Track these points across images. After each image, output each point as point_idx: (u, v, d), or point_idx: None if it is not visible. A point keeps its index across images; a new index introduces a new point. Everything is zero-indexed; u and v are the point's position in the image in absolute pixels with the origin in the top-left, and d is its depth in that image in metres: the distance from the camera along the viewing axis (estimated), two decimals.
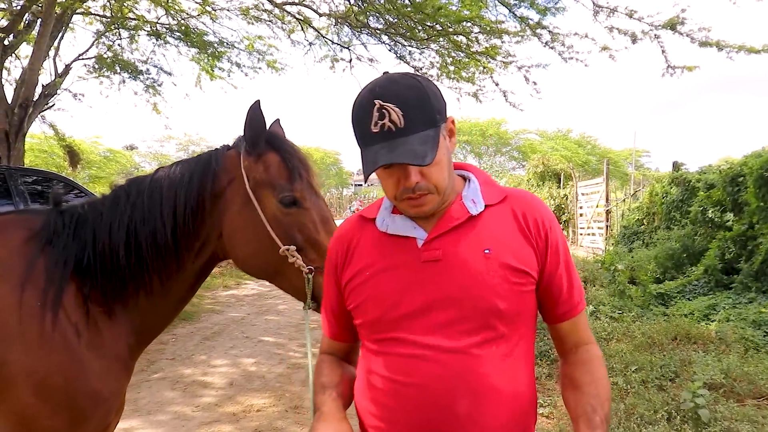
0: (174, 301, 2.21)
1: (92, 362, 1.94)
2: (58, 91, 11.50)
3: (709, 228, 9.88)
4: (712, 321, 7.38)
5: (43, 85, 10.70)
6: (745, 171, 8.61)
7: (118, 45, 12.87)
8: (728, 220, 9.20)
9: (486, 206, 1.52)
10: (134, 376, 6.04)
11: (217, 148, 2.26)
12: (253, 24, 12.64)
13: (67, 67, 11.83)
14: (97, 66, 12.92)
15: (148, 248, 2.06)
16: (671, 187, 12.14)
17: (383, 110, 1.35)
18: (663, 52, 8.88)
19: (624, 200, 17.31)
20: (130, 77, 13.13)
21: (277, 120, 2.39)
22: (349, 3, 10.61)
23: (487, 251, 1.46)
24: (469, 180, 1.59)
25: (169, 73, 13.72)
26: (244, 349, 7.50)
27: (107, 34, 12.49)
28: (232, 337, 8.17)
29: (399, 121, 1.35)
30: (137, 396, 5.59)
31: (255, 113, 2.09)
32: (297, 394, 5.71)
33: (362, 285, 1.53)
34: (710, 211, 9.75)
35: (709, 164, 12.25)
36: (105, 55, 12.91)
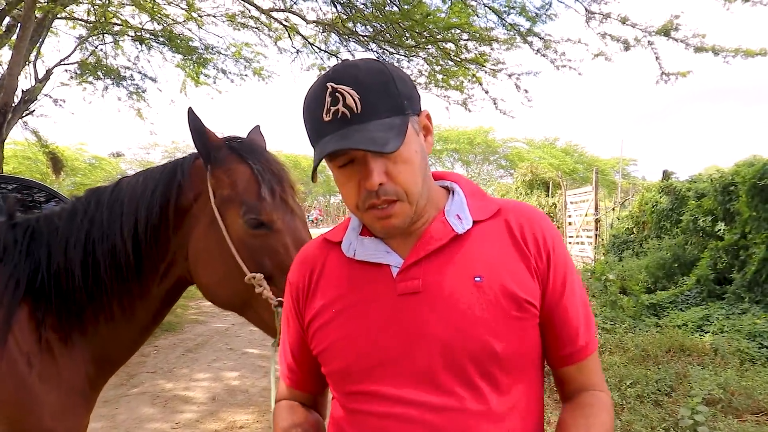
0: (137, 329, 1.94)
1: (46, 396, 1.72)
2: (39, 97, 11.27)
3: (700, 237, 9.79)
4: (705, 332, 7.26)
5: (23, 91, 10.48)
6: (737, 180, 8.52)
7: (101, 50, 12.67)
8: (720, 230, 9.11)
9: (474, 222, 1.25)
10: (112, 391, 5.87)
11: (185, 157, 1.98)
12: (239, 30, 12.52)
13: (48, 73, 11.60)
14: (79, 71, 12.69)
15: (107, 269, 1.81)
16: (661, 196, 12.06)
17: (336, 94, 1.12)
18: (657, 58, 8.78)
19: (613, 209, 17.24)
20: (113, 83, 12.92)
21: (257, 127, 2.15)
22: (337, 10, 10.46)
23: (478, 279, 1.19)
24: (453, 192, 1.32)
25: (154, 80, 13.49)
26: (227, 361, 7.29)
27: (90, 39, 12.29)
28: (215, 348, 7.96)
29: (355, 106, 1.11)
30: (115, 412, 5.38)
31: (191, 122, 1.83)
32: None
33: (327, 325, 1.26)
34: (701, 221, 9.66)
35: (699, 173, 12.19)
36: (88, 61, 12.70)
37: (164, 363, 7.14)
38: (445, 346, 1.15)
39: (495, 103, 11.58)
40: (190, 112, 1.82)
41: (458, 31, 10.29)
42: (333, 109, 1.12)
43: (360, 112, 1.11)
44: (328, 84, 1.13)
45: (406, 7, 9.66)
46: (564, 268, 1.26)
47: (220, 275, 1.81)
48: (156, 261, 1.86)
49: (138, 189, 1.88)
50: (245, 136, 2.04)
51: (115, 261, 1.82)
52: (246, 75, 13.52)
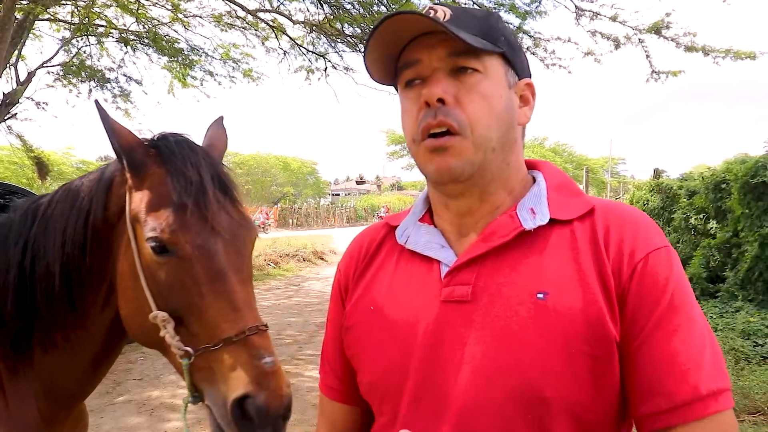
0: (86, 361, 1.65)
1: None
2: (21, 100, 11.09)
3: (692, 236, 9.76)
4: None
5: (4, 93, 10.31)
6: (729, 178, 8.49)
7: (84, 52, 12.50)
8: (712, 228, 9.09)
9: (553, 222, 0.98)
10: (97, 400, 5.73)
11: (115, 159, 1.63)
12: (226, 31, 12.36)
13: (30, 75, 11.43)
14: (62, 74, 12.52)
15: (42, 295, 1.55)
16: (652, 195, 12.03)
17: (429, 11, 0.98)
18: (647, 56, 8.75)
19: None
20: (96, 86, 12.75)
21: (219, 119, 1.77)
22: (323, 11, 10.36)
23: (540, 295, 0.92)
24: (535, 181, 1.08)
25: (139, 82, 13.32)
26: None
27: (74, 41, 12.12)
28: None
29: (444, 16, 0.97)
30: (99, 422, 5.24)
31: (102, 119, 1.48)
32: None
33: (359, 326, 1.09)
34: (693, 219, 9.63)
35: (690, 171, 12.19)
36: (71, 63, 12.52)
37: (151, 370, 7.00)
38: (483, 377, 0.91)
39: None
40: (97, 105, 1.48)
41: None
42: (394, 13, 0.97)
43: (447, 20, 0.96)
44: (428, 5, 1.01)
45: (393, 7, 9.57)
46: (661, 293, 0.90)
47: (133, 308, 1.47)
48: (92, 286, 1.56)
49: (68, 201, 1.59)
50: (208, 131, 1.73)
51: (48, 286, 1.55)
52: (234, 77, 13.38)
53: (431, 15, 0.96)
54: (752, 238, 7.77)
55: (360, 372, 1.09)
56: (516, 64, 1.05)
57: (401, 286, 1.06)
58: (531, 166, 1.14)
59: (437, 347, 0.96)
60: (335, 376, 1.20)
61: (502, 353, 0.91)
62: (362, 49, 12.24)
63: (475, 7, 0.99)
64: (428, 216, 1.12)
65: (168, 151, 1.50)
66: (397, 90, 1.09)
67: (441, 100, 0.95)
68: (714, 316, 7.55)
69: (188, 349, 1.34)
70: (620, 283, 0.91)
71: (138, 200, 1.45)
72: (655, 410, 0.87)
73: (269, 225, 38.99)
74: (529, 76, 1.09)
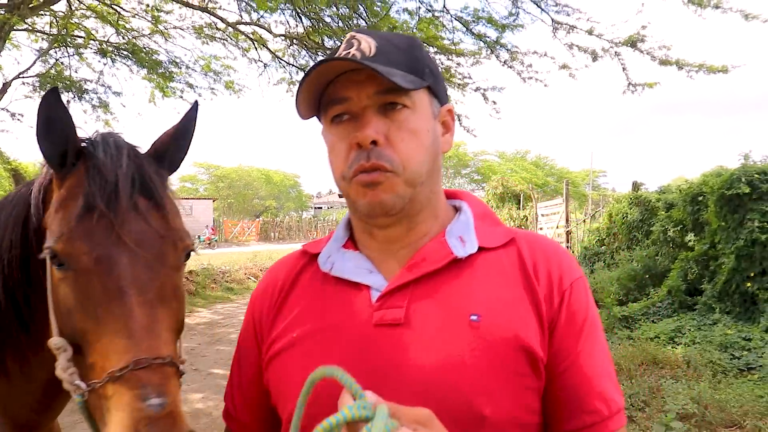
0: (39, 388, 1.50)
1: None
2: None
3: (670, 248, 9.80)
4: (678, 344, 7.23)
5: None
6: (705, 190, 8.55)
7: (62, 63, 12.39)
8: (690, 240, 9.13)
9: (480, 249, 1.03)
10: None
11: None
12: (207, 44, 12.32)
13: (6, 85, 11.31)
14: (38, 84, 12.40)
15: None
16: (631, 207, 12.10)
17: (353, 40, 1.00)
18: (624, 69, 8.83)
19: (584, 221, 17.31)
20: (74, 97, 12.64)
21: (195, 105, 1.44)
22: (302, 24, 10.36)
23: (474, 317, 0.95)
24: (460, 211, 1.11)
25: (118, 94, 13.23)
26: (191, 383, 7.06)
27: (52, 51, 12.02)
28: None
29: (369, 50, 0.97)
30: None
31: (49, 106, 1.24)
32: None
33: (283, 354, 1.04)
34: (671, 231, 9.68)
35: (668, 184, 12.29)
36: (49, 74, 12.41)
37: None
38: (419, 398, 0.88)
39: (460, 120, 11.54)
40: (50, 95, 1.24)
41: (426, 45, 10.25)
42: (344, 53, 0.98)
43: (372, 56, 0.97)
44: (349, 34, 1.03)
45: (373, 20, 9.59)
46: (583, 319, 0.99)
47: (51, 330, 1.23)
48: (40, 305, 1.33)
49: (9, 209, 1.44)
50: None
51: None
52: (215, 89, 13.33)
53: (354, 47, 0.98)
54: (729, 251, 7.81)
55: (285, 402, 1.03)
56: (438, 92, 1.07)
57: (328, 312, 1.03)
58: (452, 195, 1.18)
59: (371, 372, 0.93)
60: (249, 423, 1.18)
61: (439, 373, 0.92)
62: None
63: (399, 34, 0.96)
64: (350, 242, 1.12)
65: (91, 147, 1.29)
66: (320, 121, 1.09)
67: (374, 142, 0.96)
68: (692, 329, 7.56)
69: (80, 383, 1.12)
70: (551, 309, 0.98)
71: (52, 204, 1.27)
72: (582, 426, 0.96)
73: (215, 241, 37.15)
74: (448, 101, 1.12)
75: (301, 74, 12.24)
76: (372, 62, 0.95)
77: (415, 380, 0.92)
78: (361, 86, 0.98)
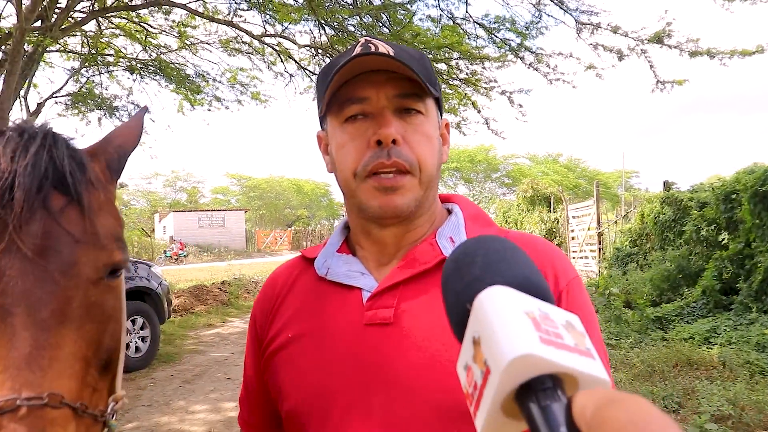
0: None
1: None
2: None
3: (704, 247, 9.65)
4: (713, 345, 7.11)
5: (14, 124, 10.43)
6: (739, 188, 8.41)
7: (93, 81, 12.64)
8: (723, 239, 8.98)
9: None
10: None
11: None
12: (234, 56, 12.48)
13: (40, 106, 11.58)
14: (70, 103, 12.66)
15: None
16: (663, 207, 11.94)
17: (369, 44, 1.00)
18: (651, 66, 8.70)
19: (616, 222, 17.11)
20: (105, 114, 12.89)
21: (143, 109, 1.32)
22: (326, 34, 10.43)
23: None
24: (451, 213, 1.13)
25: (147, 110, 13.45)
26: (225, 392, 7.14)
27: (83, 70, 12.28)
28: (213, 379, 7.80)
29: (388, 53, 0.98)
30: None
31: None
32: None
33: (278, 353, 1.07)
34: (704, 230, 9.53)
35: (701, 183, 12.09)
36: (80, 92, 12.67)
37: (161, 396, 6.99)
38: (408, 395, 0.93)
39: (487, 124, 11.50)
40: None
41: (449, 50, 10.24)
42: (362, 53, 0.98)
43: (393, 56, 0.98)
44: (361, 38, 1.04)
45: (396, 28, 9.63)
46: (581, 313, 0.94)
47: None
48: None
49: None
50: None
51: None
52: (241, 101, 13.49)
53: (372, 50, 0.98)
54: (764, 249, 7.67)
55: (282, 399, 1.06)
56: (441, 106, 1.11)
57: (322, 314, 1.06)
58: (446, 199, 1.19)
59: (362, 369, 0.97)
60: (250, 409, 1.24)
61: (428, 372, 0.93)
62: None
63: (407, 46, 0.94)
64: (345, 246, 1.14)
65: (6, 136, 1.06)
66: (323, 120, 1.11)
67: (394, 141, 0.98)
68: (728, 329, 7.44)
69: None
70: None
71: None
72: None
73: (183, 257, 35.09)
74: (442, 115, 1.15)
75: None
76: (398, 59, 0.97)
77: (403, 378, 0.94)
78: (380, 87, 1.00)
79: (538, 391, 0.47)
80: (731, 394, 5.18)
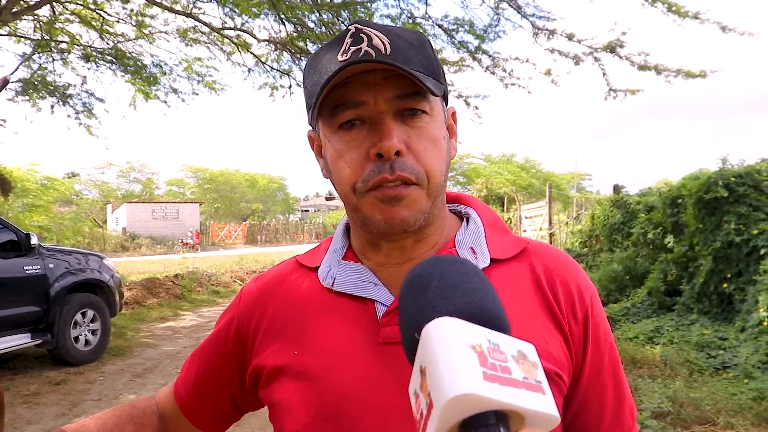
0: None
1: None
2: None
3: (650, 250, 9.94)
4: (656, 344, 7.35)
5: None
6: (684, 193, 8.68)
7: (46, 68, 12.37)
8: (669, 242, 9.27)
9: (492, 261, 0.94)
10: (53, 420, 5.65)
11: None
12: (191, 46, 12.36)
13: None
14: (21, 90, 12.37)
15: None
16: (612, 210, 12.24)
17: (361, 35, 0.86)
18: (604, 74, 8.96)
19: (567, 223, 17.45)
20: (58, 102, 12.62)
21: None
22: (286, 29, 10.41)
23: None
24: (468, 219, 1.02)
25: (101, 100, 13.24)
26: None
27: (35, 56, 12.01)
28: (165, 373, 7.74)
29: (383, 48, 0.85)
30: None
31: None
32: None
33: (283, 372, 0.95)
34: (651, 233, 9.81)
35: (649, 187, 12.43)
36: (32, 79, 12.38)
37: (110, 390, 6.91)
38: None
39: None
40: None
41: None
42: (353, 48, 0.85)
43: (388, 55, 0.84)
44: (351, 26, 0.89)
45: None
46: (605, 332, 0.97)
47: None
48: None
49: None
50: None
51: None
52: (197, 93, 13.36)
53: (365, 43, 0.86)
54: (706, 253, 7.94)
55: (284, 420, 0.93)
56: (446, 95, 0.98)
57: (331, 329, 0.94)
58: (457, 200, 1.09)
59: (378, 393, 0.87)
60: (192, 395, 1.12)
61: None
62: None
63: (408, 27, 0.89)
64: (351, 253, 1.02)
65: None
66: (315, 127, 0.99)
67: (397, 152, 0.86)
68: (670, 329, 7.69)
69: None
70: (576, 325, 0.93)
71: None
72: None
73: (196, 246, 35.57)
74: (448, 103, 1.02)
75: (286, 78, 12.36)
76: (393, 62, 0.85)
77: None
78: (377, 89, 0.87)
79: (480, 428, 0.47)
80: (671, 391, 5.37)
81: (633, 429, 0.97)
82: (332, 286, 0.97)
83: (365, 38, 0.86)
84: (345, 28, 0.90)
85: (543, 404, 0.49)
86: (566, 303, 0.93)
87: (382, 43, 0.85)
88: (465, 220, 1.03)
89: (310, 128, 1.03)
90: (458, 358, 0.49)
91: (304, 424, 0.89)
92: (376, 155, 0.86)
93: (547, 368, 0.80)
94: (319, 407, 0.88)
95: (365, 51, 0.84)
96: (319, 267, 1.01)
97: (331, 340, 0.93)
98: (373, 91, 0.87)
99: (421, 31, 9.89)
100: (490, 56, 9.62)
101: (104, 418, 1.07)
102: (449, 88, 10.01)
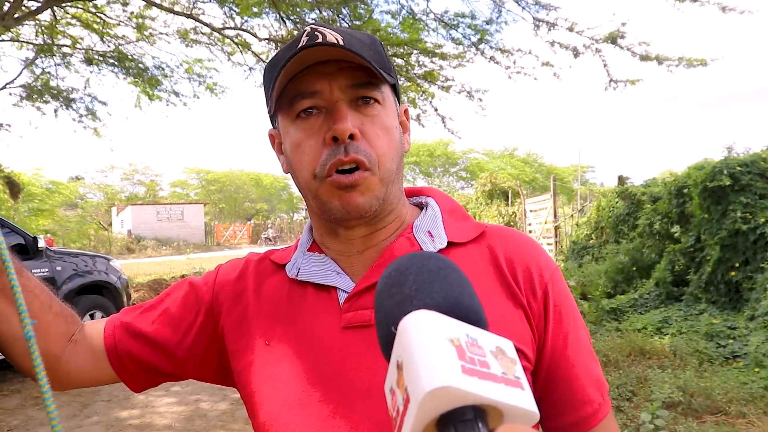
0: None
1: None
2: None
3: (657, 240, 9.92)
4: (665, 335, 7.34)
5: None
6: (689, 183, 8.66)
7: (49, 72, 12.39)
8: (675, 233, 9.25)
9: (450, 244, 0.99)
10: (65, 422, 5.67)
11: None
12: (192, 47, 12.36)
13: None
14: (24, 95, 12.39)
15: None
16: (617, 201, 12.21)
17: (316, 33, 0.92)
18: (605, 65, 8.94)
19: (572, 215, 17.43)
20: (61, 106, 12.64)
21: None
22: (287, 27, 10.40)
23: None
24: (427, 206, 1.07)
25: (104, 103, 13.26)
26: (186, 385, 7.11)
27: (38, 60, 12.03)
28: None
29: (337, 42, 0.90)
30: None
31: None
32: None
33: (255, 362, 0.99)
34: (657, 224, 9.78)
35: (654, 177, 12.39)
36: (35, 84, 12.40)
37: (120, 390, 6.92)
38: None
39: (444, 122, 11.62)
40: None
41: (409, 47, 10.31)
42: (309, 44, 0.90)
43: (342, 47, 0.90)
44: (307, 27, 0.95)
45: (356, 23, 9.66)
46: (568, 310, 0.98)
47: None
48: None
49: None
50: None
51: None
52: (198, 94, 13.37)
53: (319, 39, 0.91)
54: (713, 242, 7.92)
55: (257, 410, 0.97)
56: (398, 92, 1.05)
57: (297, 318, 0.99)
58: (416, 192, 1.14)
59: (342, 376, 0.91)
60: (125, 343, 1.09)
61: None
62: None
63: (363, 31, 0.90)
64: (316, 246, 1.06)
65: None
66: (274, 119, 1.05)
67: (350, 136, 0.91)
68: (678, 319, 7.67)
69: None
70: (536, 303, 0.96)
71: None
72: (583, 416, 0.96)
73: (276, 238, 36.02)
74: (401, 102, 1.08)
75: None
76: (349, 47, 0.90)
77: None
78: (332, 79, 0.93)
79: (458, 423, 0.46)
80: (681, 381, 5.37)
81: (603, 404, 0.97)
82: (297, 276, 1.01)
83: (320, 36, 0.91)
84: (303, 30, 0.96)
85: (522, 400, 0.48)
86: (525, 280, 0.96)
87: (336, 39, 0.90)
88: (424, 208, 1.08)
89: (271, 127, 1.08)
90: (436, 351, 0.48)
91: (274, 412, 0.93)
92: (331, 138, 0.91)
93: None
94: (287, 394, 0.93)
95: (320, 42, 0.89)
96: (287, 264, 1.06)
97: (296, 328, 0.97)
98: (328, 80, 0.93)
99: (421, 26, 9.89)
100: (492, 47, 9.60)
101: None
102: (450, 83, 10.03)
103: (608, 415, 0.97)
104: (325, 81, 0.93)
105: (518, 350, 0.88)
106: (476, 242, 1.01)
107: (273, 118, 1.06)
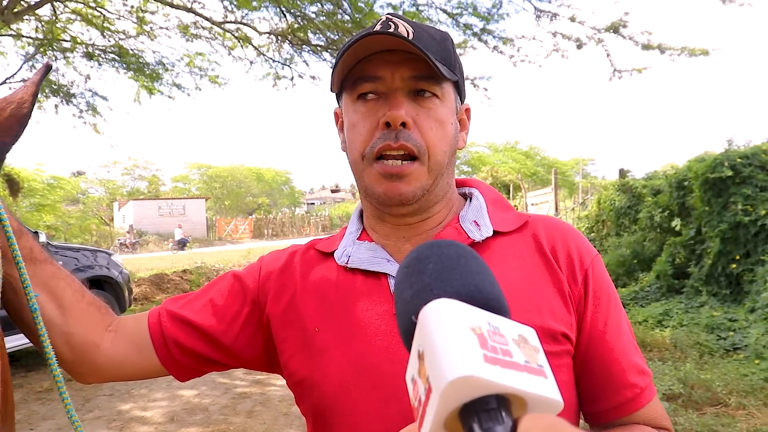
0: None
1: None
2: None
3: (658, 233, 9.91)
4: (666, 327, 7.35)
5: None
6: (690, 176, 8.65)
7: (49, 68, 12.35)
8: (676, 225, 9.24)
9: (495, 233, 1.02)
10: (66, 417, 5.67)
11: None
12: (192, 41, 12.34)
13: None
14: None
15: None
16: (618, 194, 12.20)
17: (390, 23, 0.96)
18: (608, 55, 8.92)
19: (573, 209, 17.42)
20: (62, 101, 12.63)
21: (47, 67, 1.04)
22: (287, 20, 10.39)
23: None
24: (471, 197, 1.11)
25: (105, 98, 13.24)
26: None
27: (38, 56, 12.01)
28: None
29: (407, 34, 0.94)
30: None
31: None
32: (240, 426, 5.40)
33: (305, 349, 1.01)
34: (658, 217, 9.77)
35: (655, 170, 12.38)
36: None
37: (122, 384, 6.94)
38: None
39: None
40: None
41: None
42: (380, 31, 0.93)
43: (410, 40, 0.93)
44: (383, 16, 0.99)
45: (357, 15, 9.64)
46: (607, 295, 1.00)
47: None
48: None
49: None
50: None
51: None
52: (200, 88, 13.34)
53: (392, 29, 0.95)
54: (714, 234, 7.91)
55: (309, 395, 1.00)
56: (461, 90, 1.07)
57: (348, 304, 1.00)
58: (462, 183, 1.17)
59: (393, 362, 0.92)
60: (179, 336, 1.09)
61: None
62: (327, 57, 12.38)
63: (435, 16, 0.94)
64: (366, 234, 1.09)
65: None
66: (339, 97, 1.08)
67: (403, 124, 0.94)
68: (679, 312, 7.68)
69: None
70: (576, 288, 0.97)
71: None
72: (624, 401, 0.96)
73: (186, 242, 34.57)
74: (464, 100, 1.11)
75: (288, 70, 12.36)
76: (415, 42, 0.93)
77: None
78: (395, 67, 0.96)
79: (481, 412, 0.45)
80: (682, 373, 5.38)
81: (646, 390, 0.97)
82: (347, 263, 1.03)
83: (392, 26, 0.95)
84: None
85: (545, 388, 0.48)
86: (566, 266, 0.99)
87: (407, 31, 0.94)
88: (468, 200, 1.11)
89: (336, 106, 1.12)
90: (458, 339, 0.47)
91: (329, 397, 0.96)
92: (384, 123, 0.95)
93: (554, 328, 0.92)
94: (341, 379, 0.95)
95: (390, 32, 0.92)
96: (335, 251, 1.08)
97: (348, 315, 0.99)
98: (391, 69, 0.96)
99: (423, 18, 9.85)
100: (494, 37, 9.56)
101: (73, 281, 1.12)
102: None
103: (652, 400, 0.98)
104: (388, 69, 0.96)
105: (564, 335, 0.93)
106: (520, 231, 1.03)
107: (338, 97, 1.09)
